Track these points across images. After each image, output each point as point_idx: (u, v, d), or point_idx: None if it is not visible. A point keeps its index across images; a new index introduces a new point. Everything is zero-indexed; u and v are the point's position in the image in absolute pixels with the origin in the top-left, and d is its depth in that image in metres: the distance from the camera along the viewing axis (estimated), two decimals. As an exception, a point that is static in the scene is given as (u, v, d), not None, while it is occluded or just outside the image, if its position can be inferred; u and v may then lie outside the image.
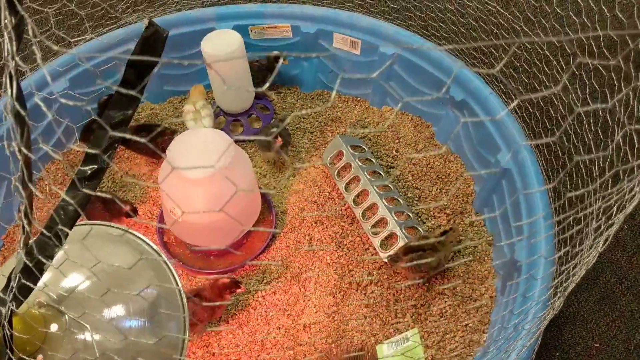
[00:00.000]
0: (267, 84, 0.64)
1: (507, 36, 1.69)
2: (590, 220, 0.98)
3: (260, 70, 2.07)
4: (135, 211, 1.79)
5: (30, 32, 0.57)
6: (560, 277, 1.12)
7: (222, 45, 1.88)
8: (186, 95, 2.21)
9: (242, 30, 2.08)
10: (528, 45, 1.61)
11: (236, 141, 2.03)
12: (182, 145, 1.59)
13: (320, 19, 2.10)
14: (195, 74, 2.19)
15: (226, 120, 2.09)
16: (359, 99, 2.19)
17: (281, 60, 1.98)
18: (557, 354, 1.61)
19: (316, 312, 1.65)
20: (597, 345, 1.62)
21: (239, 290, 1.58)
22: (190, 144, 1.59)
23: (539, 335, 1.30)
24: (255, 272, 1.75)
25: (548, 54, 1.50)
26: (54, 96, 1.86)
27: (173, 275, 1.22)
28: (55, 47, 0.51)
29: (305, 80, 2.23)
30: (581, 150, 1.42)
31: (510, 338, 1.21)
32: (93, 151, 0.98)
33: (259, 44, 2.16)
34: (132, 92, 0.64)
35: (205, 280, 1.72)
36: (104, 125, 0.73)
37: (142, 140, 0.56)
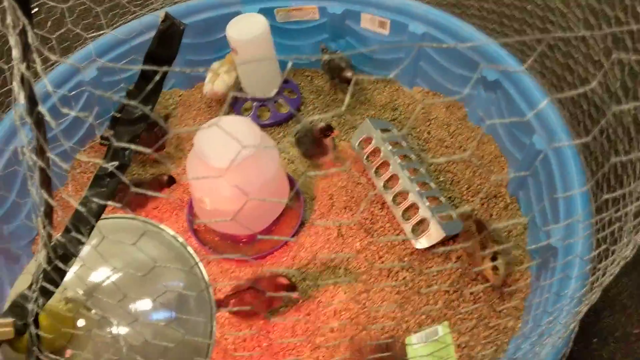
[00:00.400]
0: (275, 90, 0.61)
1: (540, 13, 1.62)
2: (630, 217, 0.94)
3: (332, 69, 2.03)
4: (172, 180, 1.85)
5: (30, 39, 0.55)
6: (596, 274, 1.08)
7: (247, 30, 1.86)
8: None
9: (268, 12, 2.06)
10: (563, 24, 1.53)
11: (262, 126, 2.01)
12: (209, 133, 1.58)
13: (347, -1, 2.05)
14: (222, 59, 2.18)
15: (253, 106, 2.07)
16: (388, 80, 2.15)
17: (351, 85, 1.91)
18: (595, 340, 1.56)
19: (346, 299, 1.64)
20: (637, 331, 1.56)
21: (293, 295, 1.55)
22: (216, 132, 1.58)
23: (576, 325, 1.26)
24: (285, 258, 1.74)
25: (584, 31, 1.43)
26: (71, 91, 1.88)
27: (199, 267, 1.22)
28: (53, 57, 0.50)
29: (333, 62, 2.19)
30: (620, 132, 1.35)
31: (544, 333, 1.17)
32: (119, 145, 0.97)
33: (285, 27, 2.13)
34: (133, 103, 0.62)
35: (262, 271, 1.70)
36: (110, 139, 0.71)
37: (148, 150, 0.55)
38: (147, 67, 0.88)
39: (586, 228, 1.37)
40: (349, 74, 1.95)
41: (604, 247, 1.04)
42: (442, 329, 1.36)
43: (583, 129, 1.63)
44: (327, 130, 1.79)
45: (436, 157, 1.87)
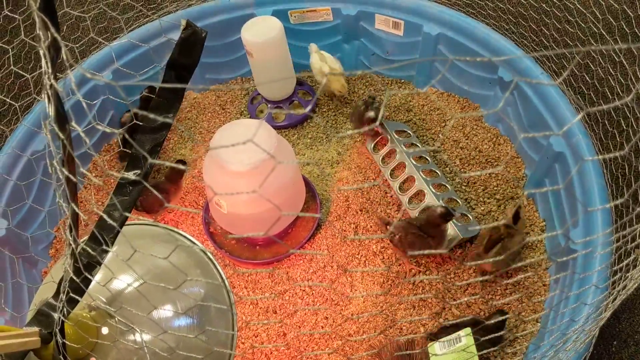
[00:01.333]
0: (290, 92, 0.61)
1: (558, 13, 1.60)
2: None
3: (357, 112, 1.92)
4: (184, 162, 1.91)
5: (64, 57, 0.55)
6: (622, 283, 1.07)
7: (262, 32, 1.86)
8: (227, 82, 2.24)
9: (282, 15, 2.05)
10: (582, 24, 1.52)
11: (277, 128, 2.01)
12: (226, 137, 1.58)
13: (361, 0, 2.04)
14: (237, 61, 2.18)
15: (268, 107, 2.07)
16: (402, 81, 2.14)
17: (378, 119, 1.79)
18: (615, 342, 1.55)
19: (364, 302, 1.64)
20: (657, 333, 1.55)
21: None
22: (233, 135, 1.58)
23: (597, 330, 1.25)
24: (302, 261, 1.74)
25: (604, 32, 1.42)
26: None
27: (219, 273, 1.22)
28: (89, 75, 0.50)
29: (347, 63, 2.18)
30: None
31: (567, 341, 1.17)
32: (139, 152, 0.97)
33: (300, 29, 2.13)
34: (159, 118, 0.62)
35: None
36: (136, 146, 0.71)
37: (183, 167, 0.55)
38: (165, 85, 0.87)
39: (607, 236, 1.36)
40: (371, 113, 1.85)
41: (632, 257, 1.03)
42: (465, 337, 1.35)
43: (601, 129, 1.62)
44: (448, 215, 1.55)
45: (451, 160, 1.86)
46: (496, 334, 1.34)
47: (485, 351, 1.37)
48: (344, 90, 1.98)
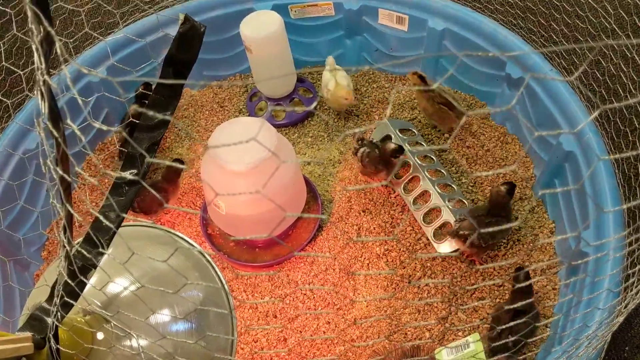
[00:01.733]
0: (290, 89, 0.56)
1: (568, 8, 1.56)
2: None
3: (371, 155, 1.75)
4: (181, 162, 1.85)
5: (59, 51, 0.51)
6: (637, 287, 1.03)
7: (262, 28, 1.81)
8: (225, 79, 2.20)
9: (282, 9, 2.01)
10: (594, 20, 1.47)
11: (277, 126, 1.96)
12: (224, 135, 1.53)
13: (363, -6, 2.00)
14: (236, 58, 2.13)
15: (268, 105, 2.02)
16: (407, 78, 2.09)
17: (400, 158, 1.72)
18: (627, 347, 1.51)
19: (367, 306, 1.59)
20: (671, 339, 1.51)
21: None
22: (232, 134, 1.53)
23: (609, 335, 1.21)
24: (303, 264, 1.69)
25: (616, 28, 1.37)
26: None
27: (218, 276, 1.17)
28: (85, 71, 0.45)
29: (349, 59, 2.14)
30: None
31: (580, 346, 1.13)
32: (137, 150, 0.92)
33: (300, 23, 2.08)
34: (158, 116, 0.58)
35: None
36: (135, 145, 0.66)
37: (181, 166, 0.50)
38: (163, 81, 0.83)
39: (620, 239, 1.32)
40: (392, 146, 1.71)
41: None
42: (474, 344, 1.30)
43: (613, 127, 1.57)
44: (512, 189, 1.56)
45: (458, 159, 1.82)
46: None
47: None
48: (350, 97, 1.86)
